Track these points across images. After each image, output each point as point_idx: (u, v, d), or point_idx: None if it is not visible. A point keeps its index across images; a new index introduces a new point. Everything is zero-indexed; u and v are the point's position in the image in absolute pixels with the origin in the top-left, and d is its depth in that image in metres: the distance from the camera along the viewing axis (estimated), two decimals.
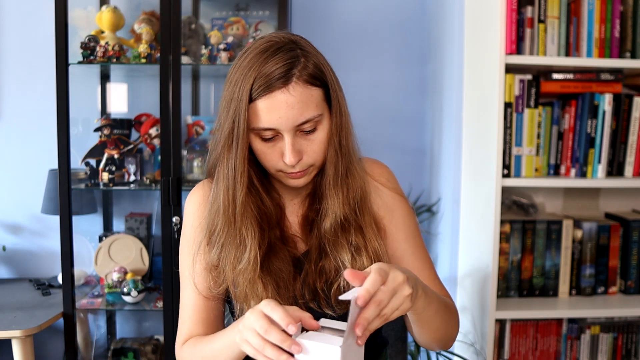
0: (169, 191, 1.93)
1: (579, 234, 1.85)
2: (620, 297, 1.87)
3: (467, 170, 1.90)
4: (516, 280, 1.84)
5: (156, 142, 2.12)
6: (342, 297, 0.76)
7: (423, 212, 2.29)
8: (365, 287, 0.75)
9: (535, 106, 1.74)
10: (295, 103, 0.90)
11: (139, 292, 2.01)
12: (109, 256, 2.16)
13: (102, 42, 1.98)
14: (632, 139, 1.78)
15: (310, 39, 1.00)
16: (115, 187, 2.05)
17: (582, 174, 1.76)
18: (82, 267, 2.23)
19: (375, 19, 2.37)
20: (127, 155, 2.07)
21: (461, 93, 1.91)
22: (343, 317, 0.92)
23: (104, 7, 2.06)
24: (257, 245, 0.97)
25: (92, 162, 2.07)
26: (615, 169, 1.79)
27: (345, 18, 2.36)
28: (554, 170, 1.81)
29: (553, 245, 1.84)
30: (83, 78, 2.21)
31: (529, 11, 1.70)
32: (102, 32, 2.04)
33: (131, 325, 2.41)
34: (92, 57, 1.97)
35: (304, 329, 0.81)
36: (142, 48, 1.97)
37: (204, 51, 2.03)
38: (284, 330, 0.77)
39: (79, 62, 1.97)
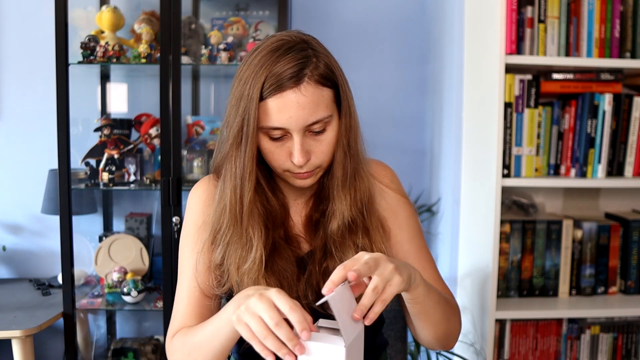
0: (169, 191, 1.93)
1: (579, 234, 1.85)
2: (620, 297, 1.87)
3: (467, 170, 1.90)
4: (516, 280, 1.84)
5: (156, 142, 2.12)
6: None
7: (423, 212, 2.29)
8: (355, 269, 0.77)
9: (535, 106, 1.74)
10: (306, 103, 0.90)
11: (139, 292, 2.01)
12: (109, 256, 2.16)
13: (102, 42, 1.98)
14: (632, 139, 1.78)
15: None
16: (115, 187, 2.05)
17: (582, 174, 1.76)
18: (82, 267, 2.23)
19: (375, 19, 2.38)
20: (127, 155, 2.07)
21: (461, 93, 1.91)
22: None
23: (104, 7, 2.06)
24: (263, 245, 0.97)
25: (92, 162, 2.07)
26: (615, 169, 1.79)
27: (345, 18, 2.36)
28: (554, 170, 1.81)
29: (553, 245, 1.84)
30: (83, 78, 2.21)
31: (529, 11, 1.70)
32: (102, 32, 2.04)
33: (131, 325, 2.41)
34: (92, 57, 1.97)
35: None
36: (142, 48, 1.97)
37: (204, 51, 2.03)
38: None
39: (79, 62, 1.97)
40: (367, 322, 0.79)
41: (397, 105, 2.40)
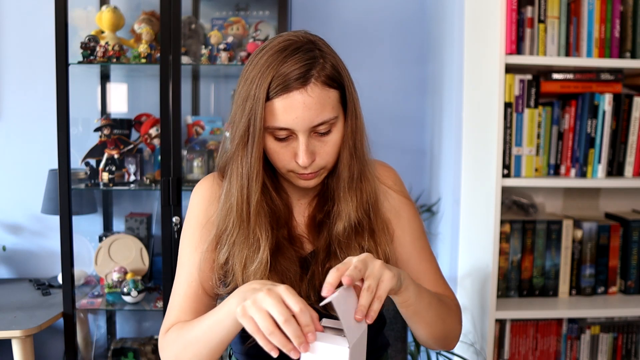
0: (169, 191, 1.93)
1: (579, 234, 1.85)
2: (620, 297, 1.87)
3: (467, 170, 1.90)
4: (516, 280, 1.84)
5: (156, 142, 2.12)
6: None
7: (423, 212, 2.29)
8: (348, 274, 0.78)
9: (535, 106, 1.74)
10: (312, 104, 0.90)
11: (139, 292, 2.01)
12: (109, 256, 2.16)
13: (102, 42, 1.98)
14: (632, 139, 1.78)
15: None
16: (115, 187, 2.05)
17: (582, 174, 1.76)
18: (82, 267, 2.23)
19: (375, 19, 2.38)
20: (127, 155, 2.07)
21: (461, 93, 1.91)
22: None
23: (104, 7, 2.06)
24: (269, 246, 0.97)
25: (92, 162, 2.07)
26: (615, 169, 1.79)
27: (345, 18, 2.36)
28: (554, 170, 1.81)
29: (553, 245, 1.84)
30: (83, 78, 2.21)
31: (529, 11, 1.70)
32: (102, 32, 2.04)
33: (131, 325, 2.41)
34: (92, 57, 1.97)
35: None
36: (142, 48, 1.97)
37: (204, 51, 2.03)
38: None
39: (79, 62, 1.97)
40: (369, 321, 0.79)
41: (397, 105, 2.40)
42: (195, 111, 2.32)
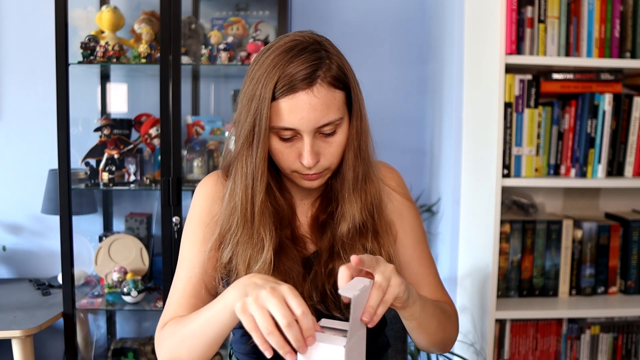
0: (169, 191, 1.93)
1: (579, 234, 1.85)
2: (620, 297, 1.87)
3: (467, 170, 1.90)
4: (516, 280, 1.84)
5: (156, 142, 2.12)
6: (341, 292, 0.76)
7: (423, 212, 2.29)
8: (360, 256, 0.79)
9: (535, 106, 1.74)
10: (318, 105, 0.90)
11: (139, 292, 2.01)
12: (109, 256, 2.16)
13: (102, 42, 1.98)
14: (632, 139, 1.78)
15: None
16: (115, 187, 2.05)
17: (582, 174, 1.76)
18: (82, 267, 2.23)
19: (375, 19, 2.37)
20: (127, 155, 2.07)
21: (461, 93, 1.91)
22: (346, 319, 0.92)
23: (104, 7, 2.06)
24: (273, 246, 0.97)
25: (92, 162, 2.07)
26: (615, 169, 1.79)
27: (345, 18, 2.36)
28: (554, 170, 1.81)
29: (553, 245, 1.84)
30: (83, 78, 2.20)
31: (529, 11, 1.70)
32: (102, 32, 2.04)
33: (131, 325, 2.41)
34: (92, 57, 1.97)
35: None
36: (142, 48, 1.97)
37: (204, 51, 2.03)
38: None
39: (79, 62, 1.97)
40: (371, 325, 0.79)
41: (397, 105, 2.40)
42: (195, 111, 2.32)
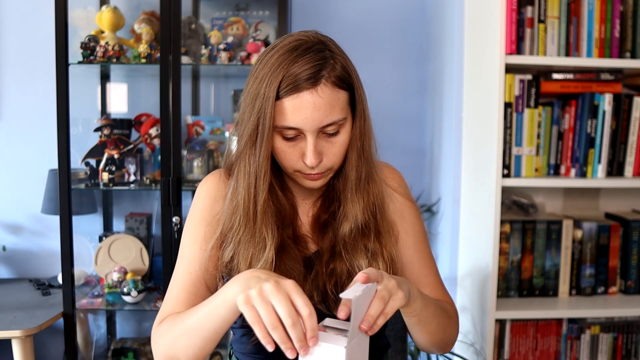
0: (169, 191, 1.93)
1: (579, 234, 1.85)
2: (620, 297, 1.87)
3: (467, 170, 1.90)
4: (516, 280, 1.84)
5: (156, 142, 2.12)
6: (343, 295, 0.76)
7: (423, 212, 2.29)
8: (366, 272, 0.80)
9: (535, 106, 1.74)
10: (322, 105, 0.90)
11: (139, 292, 2.01)
12: (109, 256, 2.16)
13: (102, 42, 1.98)
14: (632, 139, 1.78)
15: None
16: (115, 187, 2.05)
17: (582, 174, 1.76)
18: (82, 267, 2.23)
19: (375, 19, 2.37)
20: (127, 155, 2.07)
21: (461, 93, 1.91)
22: (349, 318, 0.92)
23: (104, 7, 2.06)
24: (274, 245, 0.97)
25: (92, 162, 2.07)
26: (615, 169, 1.79)
27: (345, 18, 2.36)
28: (554, 170, 1.81)
29: (553, 245, 1.84)
30: (83, 78, 2.20)
31: (529, 11, 1.70)
32: (102, 32, 2.04)
33: (131, 325, 2.41)
34: (92, 57, 1.97)
35: None
36: (142, 48, 1.97)
37: (204, 51, 2.03)
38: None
39: (79, 62, 1.97)
40: (370, 333, 0.80)
41: (397, 105, 2.40)
42: (195, 111, 2.32)
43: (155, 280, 2.22)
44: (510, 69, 1.71)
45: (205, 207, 1.05)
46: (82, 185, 2.07)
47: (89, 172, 2.07)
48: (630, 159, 1.79)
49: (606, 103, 1.74)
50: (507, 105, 1.71)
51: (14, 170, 2.32)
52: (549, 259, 1.84)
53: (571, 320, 1.85)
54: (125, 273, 2.10)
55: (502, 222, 1.79)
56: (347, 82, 0.94)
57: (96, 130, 2.09)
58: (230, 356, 1.14)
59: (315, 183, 0.98)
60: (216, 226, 1.02)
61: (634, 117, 1.77)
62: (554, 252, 1.84)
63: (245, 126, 0.94)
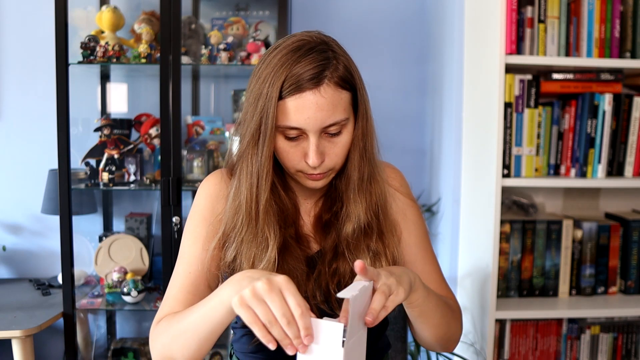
0: (169, 191, 1.93)
1: (579, 234, 1.85)
2: (620, 297, 1.87)
3: (467, 170, 1.90)
4: (516, 280, 1.84)
5: (156, 142, 2.12)
6: (340, 295, 0.76)
7: (423, 212, 2.29)
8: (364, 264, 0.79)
9: (535, 106, 1.74)
10: (324, 105, 0.90)
11: (139, 292, 2.02)
12: (109, 256, 2.16)
13: (102, 42, 1.98)
14: (632, 139, 1.78)
15: None
16: (115, 187, 2.05)
17: (582, 174, 1.76)
18: (82, 267, 2.23)
19: (375, 19, 2.38)
20: (127, 155, 2.07)
21: (461, 93, 1.91)
22: None
23: (104, 7, 2.06)
24: (277, 245, 0.97)
25: (92, 162, 2.07)
26: (615, 169, 1.79)
27: (345, 18, 2.36)
28: (554, 170, 1.81)
29: (553, 245, 1.84)
30: (83, 78, 2.21)
31: (529, 11, 1.70)
32: (102, 32, 2.04)
33: (131, 325, 2.41)
34: (92, 57, 1.97)
35: None
36: (142, 48, 1.97)
37: (204, 51, 2.03)
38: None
39: (79, 62, 1.97)
40: (370, 325, 0.80)
41: (397, 105, 2.40)
42: (195, 111, 2.32)
43: (155, 280, 2.22)
44: (510, 69, 1.71)
45: (207, 206, 1.05)
46: (82, 185, 2.07)
47: (89, 172, 2.07)
48: (630, 159, 1.79)
49: (606, 103, 1.74)
50: (507, 105, 1.71)
51: (14, 170, 2.32)
52: (549, 259, 1.84)
53: (571, 320, 1.85)
54: (125, 273, 2.10)
55: (502, 222, 1.79)
56: (350, 82, 0.94)
57: (96, 130, 2.09)
58: (230, 356, 1.14)
59: (317, 183, 0.99)
60: (218, 226, 1.02)
61: (634, 117, 1.77)
62: (554, 252, 1.84)
63: (247, 126, 0.94)
